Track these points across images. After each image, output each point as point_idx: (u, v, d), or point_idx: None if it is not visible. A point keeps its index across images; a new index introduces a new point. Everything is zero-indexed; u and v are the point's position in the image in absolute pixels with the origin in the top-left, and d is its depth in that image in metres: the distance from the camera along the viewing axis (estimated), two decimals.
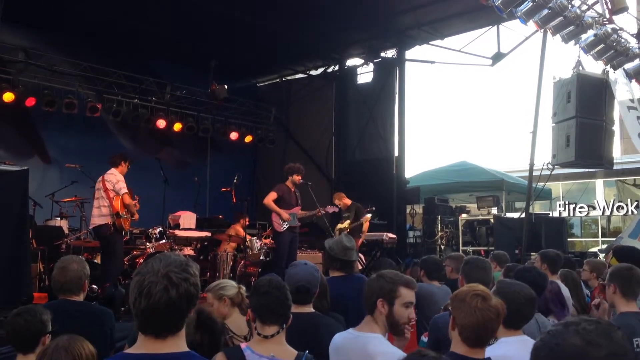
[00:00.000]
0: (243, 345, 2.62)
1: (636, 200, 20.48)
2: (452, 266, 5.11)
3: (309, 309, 3.34)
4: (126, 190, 7.11)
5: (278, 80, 15.80)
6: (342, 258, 4.12)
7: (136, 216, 7.46)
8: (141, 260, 8.08)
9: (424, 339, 3.55)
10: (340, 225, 9.79)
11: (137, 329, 1.80)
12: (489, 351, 2.60)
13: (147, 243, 8.74)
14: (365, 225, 9.80)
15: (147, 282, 1.74)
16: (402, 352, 2.74)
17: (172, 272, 1.75)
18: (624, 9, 9.28)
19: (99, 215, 7.16)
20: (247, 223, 10.32)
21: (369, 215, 9.67)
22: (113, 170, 7.30)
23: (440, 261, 5.08)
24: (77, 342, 2.48)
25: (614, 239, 15.80)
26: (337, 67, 14.37)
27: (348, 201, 9.92)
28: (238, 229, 10.16)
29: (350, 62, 14.33)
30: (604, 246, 15.68)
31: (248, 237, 9.50)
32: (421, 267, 4.90)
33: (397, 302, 2.78)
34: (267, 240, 9.97)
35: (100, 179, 7.30)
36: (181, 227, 10.12)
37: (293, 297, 3.05)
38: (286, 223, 8.12)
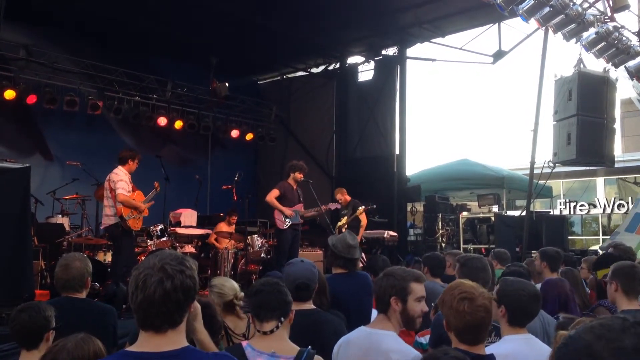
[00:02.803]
0: (244, 343, 2.63)
1: (637, 198, 20.48)
2: (451, 261, 5.11)
3: (310, 305, 3.36)
4: (122, 191, 7.01)
5: (279, 78, 15.81)
6: (345, 256, 4.12)
7: (145, 212, 7.41)
8: (142, 258, 8.09)
9: (419, 339, 3.52)
10: (339, 223, 9.79)
11: (137, 325, 1.81)
12: (492, 349, 2.61)
13: (149, 240, 8.76)
14: (363, 219, 9.71)
15: (143, 275, 1.76)
16: (415, 350, 2.76)
17: (168, 264, 1.77)
18: (625, 6, 9.28)
19: (108, 215, 7.17)
20: (234, 220, 10.30)
21: (361, 208, 9.59)
22: (118, 169, 7.25)
23: (444, 258, 5.07)
24: (84, 344, 2.48)
25: None
26: (338, 65, 14.38)
27: (348, 198, 9.88)
28: (221, 226, 10.16)
29: (351, 60, 14.35)
30: (605, 244, 15.69)
31: (239, 238, 9.52)
32: (424, 263, 4.89)
33: (410, 298, 2.80)
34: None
35: (107, 178, 7.30)
36: (182, 224, 10.15)
37: (293, 295, 3.07)
38: (288, 220, 8.12)
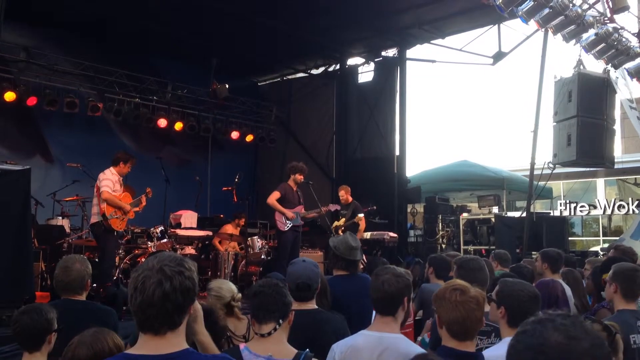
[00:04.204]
0: (241, 346, 2.63)
1: (637, 199, 20.47)
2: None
3: (312, 305, 3.36)
4: (106, 189, 7.04)
5: (279, 79, 15.82)
6: (347, 257, 4.11)
7: (130, 214, 7.42)
8: (142, 260, 8.10)
9: (427, 339, 3.56)
10: (336, 223, 9.74)
11: (136, 327, 1.81)
12: (492, 350, 2.61)
13: (149, 242, 8.76)
14: (362, 225, 9.73)
15: (142, 277, 1.76)
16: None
17: (167, 266, 1.77)
18: (625, 8, 9.28)
19: (93, 213, 7.24)
20: (243, 223, 10.28)
21: (361, 215, 9.60)
22: (108, 170, 7.29)
23: (450, 260, 5.07)
24: (101, 336, 2.48)
25: (615, 238, 15.84)
26: (338, 66, 14.37)
27: (350, 198, 9.87)
28: (227, 228, 10.15)
29: (351, 61, 14.34)
30: (606, 245, 15.69)
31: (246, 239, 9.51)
32: (430, 264, 4.90)
33: (410, 295, 2.90)
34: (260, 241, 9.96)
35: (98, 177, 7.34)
36: (182, 226, 10.13)
37: (294, 295, 3.08)
38: (290, 222, 8.11)
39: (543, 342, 1.23)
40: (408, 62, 13.05)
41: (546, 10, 8.61)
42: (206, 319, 2.80)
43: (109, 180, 7.14)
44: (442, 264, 4.86)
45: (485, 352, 2.65)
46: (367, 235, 10.62)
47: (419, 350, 2.76)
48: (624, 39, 9.42)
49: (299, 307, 3.23)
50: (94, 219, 7.18)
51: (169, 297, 1.74)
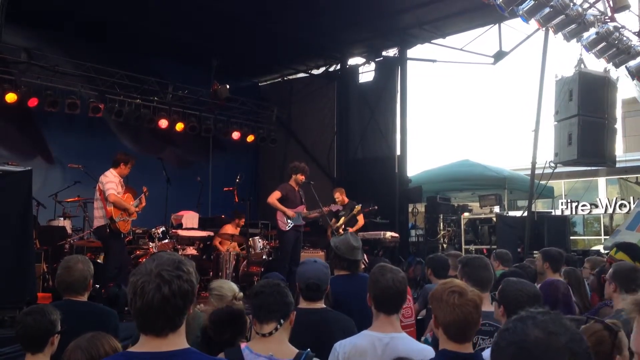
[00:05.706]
0: (242, 345, 2.64)
1: (638, 198, 20.47)
2: (451, 263, 5.12)
3: (321, 305, 3.39)
4: (112, 191, 7.05)
5: (280, 79, 15.83)
6: (349, 257, 4.11)
7: (134, 215, 7.43)
8: (144, 260, 8.10)
9: (430, 338, 3.56)
10: (336, 224, 9.70)
11: (137, 329, 1.83)
12: None
13: (150, 243, 8.78)
14: (360, 220, 9.65)
15: (141, 282, 1.77)
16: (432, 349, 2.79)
17: (165, 270, 1.78)
18: (625, 7, 9.28)
19: (97, 217, 7.24)
20: (243, 223, 10.27)
21: (359, 206, 9.55)
22: (109, 171, 7.29)
23: (447, 259, 5.07)
24: (97, 341, 2.49)
25: None
26: (338, 67, 14.37)
27: (346, 199, 9.84)
28: (227, 228, 10.15)
29: (352, 61, 14.33)
30: (607, 243, 15.68)
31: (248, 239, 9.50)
32: (428, 265, 4.91)
33: None
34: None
35: (98, 180, 7.33)
36: (184, 226, 10.15)
37: (304, 294, 3.11)
38: (291, 222, 8.10)
39: (524, 338, 1.27)
40: (409, 62, 13.07)
41: (547, 10, 8.62)
42: (237, 322, 2.84)
43: (113, 183, 7.16)
44: (439, 264, 4.87)
45: (485, 353, 2.65)
46: (361, 235, 10.59)
47: (423, 347, 2.77)
48: (624, 38, 9.41)
49: (308, 306, 3.29)
50: (98, 222, 7.17)
51: (169, 301, 1.76)
